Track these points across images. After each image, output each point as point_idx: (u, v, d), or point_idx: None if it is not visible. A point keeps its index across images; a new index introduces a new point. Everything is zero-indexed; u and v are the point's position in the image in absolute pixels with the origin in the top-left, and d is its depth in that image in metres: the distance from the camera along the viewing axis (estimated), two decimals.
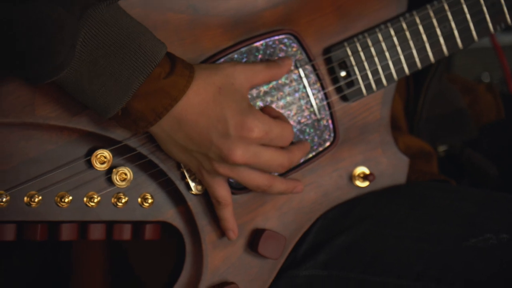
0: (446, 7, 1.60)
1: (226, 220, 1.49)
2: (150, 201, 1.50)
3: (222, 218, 1.50)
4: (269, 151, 1.44)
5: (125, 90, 1.36)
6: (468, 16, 1.61)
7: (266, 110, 1.50)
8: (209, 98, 1.40)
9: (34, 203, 1.44)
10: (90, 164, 1.46)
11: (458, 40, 1.62)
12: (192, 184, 1.51)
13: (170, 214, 1.51)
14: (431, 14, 1.60)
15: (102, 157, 1.46)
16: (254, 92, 1.52)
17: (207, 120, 1.40)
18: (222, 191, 1.47)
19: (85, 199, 1.47)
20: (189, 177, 1.51)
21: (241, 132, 1.40)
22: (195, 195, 1.52)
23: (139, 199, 1.50)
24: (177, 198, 1.51)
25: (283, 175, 1.56)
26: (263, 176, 1.46)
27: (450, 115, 1.75)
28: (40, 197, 1.44)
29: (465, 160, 1.75)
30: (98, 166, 1.46)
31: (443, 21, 1.60)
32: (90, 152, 1.46)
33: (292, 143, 1.52)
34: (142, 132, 1.42)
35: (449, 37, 1.61)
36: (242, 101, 1.42)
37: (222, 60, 1.51)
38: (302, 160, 1.55)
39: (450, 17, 1.60)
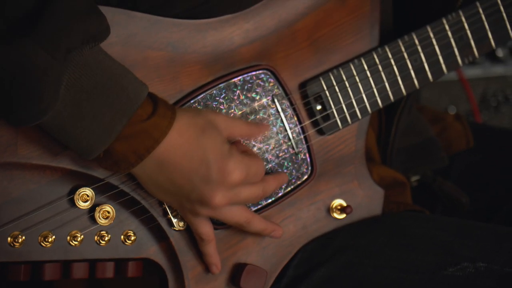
0: (416, 41, 1.61)
1: (210, 255, 1.48)
2: (132, 238, 1.48)
3: (206, 253, 1.48)
4: (247, 187, 1.44)
5: (108, 132, 1.34)
6: (437, 49, 1.62)
7: (238, 147, 1.49)
8: (192, 139, 1.39)
9: (17, 244, 1.41)
10: (73, 203, 1.44)
11: (429, 73, 1.63)
12: (174, 220, 1.49)
13: (153, 251, 1.49)
14: (402, 48, 1.61)
15: (85, 196, 1.44)
16: None
17: (189, 162, 1.39)
18: (205, 228, 1.47)
19: (68, 238, 1.44)
20: (171, 213, 1.49)
21: (223, 177, 1.40)
22: (177, 231, 1.50)
23: (122, 237, 1.48)
24: (160, 234, 1.50)
25: (262, 209, 1.54)
26: (242, 213, 1.46)
27: (421, 145, 1.76)
28: (23, 237, 1.41)
29: (438, 189, 1.75)
30: (81, 204, 1.44)
31: (414, 54, 1.61)
32: (72, 191, 1.44)
33: (268, 173, 1.52)
34: (123, 173, 1.40)
35: (419, 70, 1.62)
36: (223, 144, 1.42)
37: (201, 96, 1.50)
38: (281, 193, 1.55)
39: (420, 50, 1.61)
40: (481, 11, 1.63)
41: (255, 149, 1.53)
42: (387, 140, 1.69)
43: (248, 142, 1.52)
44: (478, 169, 1.79)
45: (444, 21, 1.62)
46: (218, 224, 1.51)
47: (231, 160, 1.41)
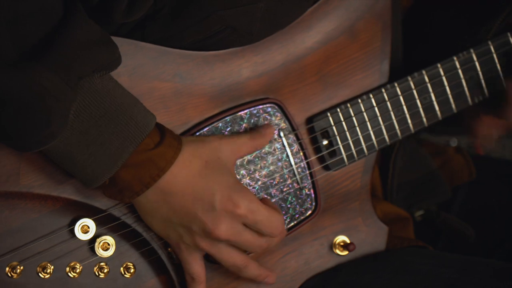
0: (427, 78, 1.58)
1: None
2: (132, 270, 1.44)
3: None
4: (251, 232, 1.41)
5: (115, 160, 1.33)
6: (447, 88, 1.59)
7: (263, 200, 1.46)
8: (195, 170, 1.37)
9: (15, 274, 1.37)
10: (73, 234, 1.40)
11: (438, 112, 1.60)
12: (174, 253, 1.46)
13: (152, 284, 1.46)
14: (412, 85, 1.57)
15: (86, 227, 1.41)
16: (238, 161, 1.48)
17: (193, 192, 1.37)
18: (197, 267, 1.44)
19: (67, 269, 1.41)
20: (171, 247, 1.45)
21: (227, 207, 1.37)
22: (178, 264, 1.46)
23: (122, 269, 1.44)
24: (160, 267, 1.46)
25: None
26: (240, 256, 1.43)
27: (423, 179, 1.73)
28: (21, 268, 1.38)
29: (441, 223, 1.72)
30: (81, 235, 1.40)
31: (424, 93, 1.58)
32: (73, 221, 1.41)
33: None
34: (127, 202, 1.37)
35: (429, 108, 1.59)
36: (229, 176, 1.40)
37: (206, 128, 1.47)
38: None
39: (430, 88, 1.58)
40: (493, 50, 1.60)
41: (259, 183, 1.50)
42: (386, 177, 1.66)
43: (253, 169, 1.49)
44: (481, 201, 1.76)
45: (455, 59, 1.58)
46: None
47: (238, 193, 1.39)
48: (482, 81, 1.60)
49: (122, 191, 1.35)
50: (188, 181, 1.36)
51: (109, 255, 1.42)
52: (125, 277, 1.44)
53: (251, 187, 1.49)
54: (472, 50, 1.59)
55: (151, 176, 1.34)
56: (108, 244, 1.42)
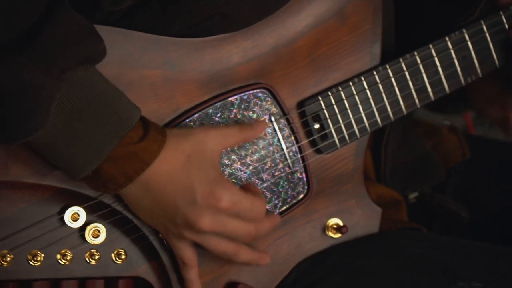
0: (419, 60, 1.56)
1: (191, 281, 1.45)
2: (123, 256, 1.44)
3: (187, 279, 1.45)
4: (237, 221, 1.40)
5: (98, 153, 1.32)
6: (440, 69, 1.57)
7: (244, 186, 1.45)
8: (177, 166, 1.36)
9: (5, 263, 1.37)
10: (63, 222, 1.40)
11: (430, 93, 1.58)
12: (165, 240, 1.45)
13: (144, 269, 1.45)
14: (404, 67, 1.56)
15: (76, 214, 1.40)
16: None
17: (174, 187, 1.36)
18: (188, 253, 1.43)
19: (58, 256, 1.41)
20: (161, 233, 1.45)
21: (209, 201, 1.37)
22: (169, 249, 1.46)
23: (113, 255, 1.44)
24: (151, 253, 1.46)
25: None
26: (229, 244, 1.43)
27: (417, 161, 1.72)
28: (12, 256, 1.37)
29: (436, 205, 1.71)
30: (71, 223, 1.40)
31: (416, 74, 1.56)
32: (63, 209, 1.40)
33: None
34: (111, 194, 1.38)
35: (421, 89, 1.57)
36: (212, 170, 1.39)
37: (196, 115, 1.45)
38: (276, 212, 1.51)
39: (422, 70, 1.56)
40: (485, 29, 1.57)
41: (250, 168, 1.49)
42: (379, 160, 1.64)
43: (244, 154, 1.48)
44: (475, 182, 1.74)
45: (448, 40, 1.56)
46: None
47: (219, 186, 1.38)
48: (475, 61, 1.58)
49: (105, 184, 1.35)
50: (170, 176, 1.36)
51: (100, 242, 1.42)
52: (116, 263, 1.44)
53: (242, 172, 1.48)
54: (464, 30, 1.57)
55: (135, 169, 1.34)
56: (99, 231, 1.42)
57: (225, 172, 1.48)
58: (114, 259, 1.44)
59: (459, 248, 1.56)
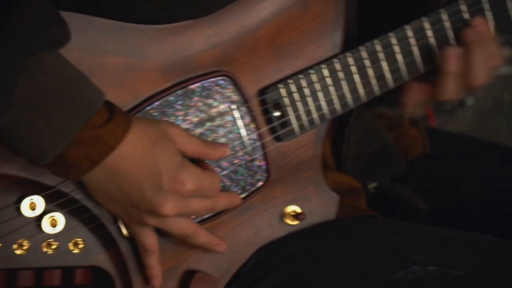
0: (379, 48, 1.55)
1: (152, 267, 1.44)
2: (81, 246, 1.41)
3: (148, 265, 1.44)
4: (198, 200, 1.40)
5: (63, 137, 1.29)
6: (400, 57, 1.56)
7: (200, 164, 1.44)
8: (144, 150, 1.35)
9: None
10: (20, 211, 1.36)
11: (389, 80, 1.57)
12: (124, 228, 1.43)
13: (102, 258, 1.43)
14: (364, 55, 1.54)
15: (33, 204, 1.37)
16: None
17: (140, 172, 1.34)
18: (149, 239, 1.42)
19: (14, 246, 1.37)
20: (121, 221, 1.43)
21: (174, 186, 1.36)
22: (127, 238, 1.44)
23: (70, 245, 1.41)
24: (109, 242, 1.43)
25: (216, 215, 1.48)
26: (189, 224, 1.42)
27: (378, 152, 1.71)
28: None
29: (395, 195, 1.72)
30: (28, 212, 1.36)
31: (375, 61, 1.55)
32: (21, 199, 1.36)
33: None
34: (74, 180, 1.35)
35: (380, 77, 1.56)
36: (175, 155, 1.37)
37: (157, 103, 1.43)
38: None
39: (382, 57, 1.55)
40: (444, 18, 1.57)
41: None
42: (340, 149, 1.64)
43: None
44: (435, 175, 1.75)
45: (407, 28, 1.56)
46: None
47: (184, 170, 1.37)
48: (435, 49, 1.58)
49: (69, 169, 1.32)
50: (136, 161, 1.34)
51: (58, 232, 1.39)
52: (74, 253, 1.41)
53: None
54: (424, 19, 1.56)
55: (99, 153, 1.32)
56: (57, 221, 1.39)
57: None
58: (71, 248, 1.41)
59: (414, 233, 1.56)
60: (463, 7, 1.58)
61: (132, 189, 1.35)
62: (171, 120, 1.44)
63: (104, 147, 1.32)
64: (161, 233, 1.45)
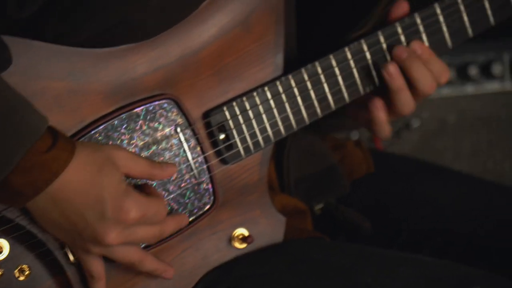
0: (319, 70, 1.56)
1: None
2: (27, 273, 1.38)
3: None
4: (144, 227, 1.38)
5: (5, 163, 1.27)
6: (339, 78, 1.57)
7: (145, 189, 1.42)
8: (88, 177, 1.32)
9: None
10: None
11: (331, 102, 1.58)
12: (70, 253, 1.41)
13: (49, 285, 1.40)
14: (305, 77, 1.55)
15: None
16: None
17: (84, 199, 1.32)
18: (95, 266, 1.39)
19: None
20: (68, 246, 1.40)
21: (118, 215, 1.34)
22: (74, 264, 1.41)
23: (16, 271, 1.38)
24: (56, 268, 1.40)
25: (163, 240, 1.46)
26: (135, 252, 1.40)
27: (322, 173, 1.71)
28: None
29: (340, 216, 1.71)
30: None
31: (317, 84, 1.56)
32: None
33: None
34: (19, 207, 1.32)
35: (322, 99, 1.57)
36: (120, 183, 1.35)
37: (102, 126, 1.41)
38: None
39: (323, 80, 1.56)
40: (382, 40, 1.59)
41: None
42: (281, 172, 1.64)
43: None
44: (378, 195, 1.76)
45: (347, 50, 1.57)
46: None
47: (128, 199, 1.35)
48: (373, 71, 1.59)
49: (13, 197, 1.30)
50: (79, 188, 1.32)
51: (2, 258, 1.36)
52: (19, 280, 1.38)
53: (148, 183, 1.44)
54: (362, 41, 1.57)
55: (44, 180, 1.29)
56: (1, 247, 1.36)
57: (131, 184, 1.43)
58: (17, 275, 1.38)
59: (360, 254, 1.56)
60: (399, 29, 1.60)
61: (76, 217, 1.33)
62: (116, 144, 1.42)
63: (48, 173, 1.30)
64: (108, 259, 1.42)
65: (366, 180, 1.76)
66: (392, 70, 1.55)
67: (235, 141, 1.52)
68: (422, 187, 1.75)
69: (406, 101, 1.56)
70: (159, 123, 1.46)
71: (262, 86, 1.53)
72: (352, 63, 1.58)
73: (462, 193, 1.74)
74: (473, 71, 2.39)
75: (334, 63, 1.57)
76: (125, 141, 1.43)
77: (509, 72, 2.41)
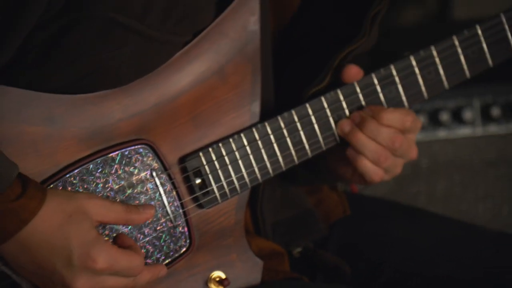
0: (296, 118, 1.57)
1: None
2: None
3: None
4: (115, 278, 1.37)
5: None
6: (316, 126, 1.58)
7: (119, 240, 1.42)
8: (55, 226, 1.33)
9: None
10: None
11: (308, 151, 1.59)
12: None
13: None
14: (282, 124, 1.56)
15: None
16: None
17: (51, 247, 1.33)
18: None
19: None
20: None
21: (85, 263, 1.34)
22: None
23: None
24: None
25: None
26: None
27: (298, 217, 1.71)
28: None
29: (318, 260, 1.71)
30: None
31: (293, 131, 1.57)
32: None
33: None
34: None
35: (299, 147, 1.58)
36: (89, 231, 1.36)
37: (77, 170, 1.42)
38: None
39: (299, 127, 1.57)
40: (358, 90, 1.60)
41: None
42: (256, 217, 1.64)
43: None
44: (354, 238, 1.75)
45: (323, 99, 1.58)
46: None
47: (96, 247, 1.35)
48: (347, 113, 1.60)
49: None
50: (47, 235, 1.32)
51: None
52: None
53: (123, 227, 1.45)
54: (338, 90, 1.59)
55: (13, 227, 1.30)
56: None
57: (106, 227, 1.44)
58: None
59: None
60: (375, 80, 1.61)
61: (44, 263, 1.34)
62: (91, 188, 1.44)
63: (17, 221, 1.31)
64: None
65: (342, 222, 1.76)
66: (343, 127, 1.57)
67: (211, 186, 1.53)
68: (398, 229, 1.75)
69: (366, 169, 1.57)
70: (135, 168, 1.47)
71: (238, 132, 1.54)
72: (328, 111, 1.59)
73: (438, 235, 1.73)
74: (444, 116, 2.40)
75: (310, 111, 1.58)
76: (100, 185, 1.44)
77: (480, 117, 2.41)
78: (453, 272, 1.67)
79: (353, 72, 1.58)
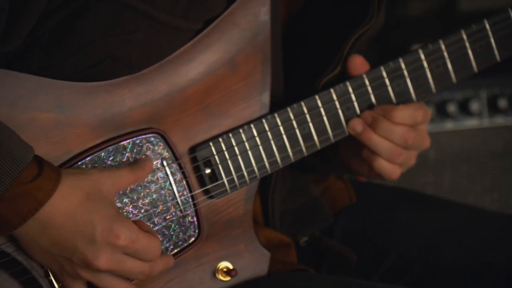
0: (305, 109, 1.56)
1: None
2: None
3: None
4: (134, 260, 1.36)
5: None
6: (325, 118, 1.57)
7: (138, 223, 1.41)
8: (76, 202, 1.32)
9: None
10: None
11: (317, 142, 1.57)
12: (55, 281, 1.40)
13: None
14: (291, 116, 1.55)
15: None
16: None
17: (73, 224, 1.32)
18: None
19: None
20: (53, 274, 1.39)
21: (108, 238, 1.33)
22: None
23: None
24: None
25: None
26: (122, 283, 1.38)
27: (305, 206, 1.70)
28: None
29: (324, 248, 1.70)
30: None
31: (303, 123, 1.56)
32: None
33: None
34: (5, 235, 1.32)
35: (308, 138, 1.56)
36: (110, 208, 1.35)
37: (88, 158, 1.41)
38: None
39: (308, 119, 1.56)
40: (367, 83, 1.59)
41: (142, 211, 1.45)
42: (266, 208, 1.63)
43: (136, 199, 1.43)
44: (360, 225, 1.74)
45: (332, 91, 1.57)
46: None
47: (118, 223, 1.34)
48: (358, 112, 1.59)
49: (0, 225, 1.29)
50: (68, 213, 1.31)
51: None
52: None
53: (134, 216, 1.44)
54: (348, 82, 1.57)
55: (29, 209, 1.29)
56: None
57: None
58: None
59: (344, 286, 1.54)
60: (384, 73, 1.60)
61: (65, 242, 1.32)
62: (98, 166, 1.42)
63: (34, 202, 1.30)
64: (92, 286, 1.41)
65: (348, 210, 1.75)
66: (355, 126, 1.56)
67: (221, 176, 1.51)
68: (405, 216, 1.74)
69: (382, 168, 1.56)
70: (146, 156, 1.46)
71: (248, 123, 1.53)
72: (337, 103, 1.58)
73: (446, 221, 1.72)
74: (451, 108, 2.39)
75: (319, 103, 1.57)
76: None
77: (486, 109, 2.41)
78: (461, 258, 1.65)
79: (357, 62, 1.57)
